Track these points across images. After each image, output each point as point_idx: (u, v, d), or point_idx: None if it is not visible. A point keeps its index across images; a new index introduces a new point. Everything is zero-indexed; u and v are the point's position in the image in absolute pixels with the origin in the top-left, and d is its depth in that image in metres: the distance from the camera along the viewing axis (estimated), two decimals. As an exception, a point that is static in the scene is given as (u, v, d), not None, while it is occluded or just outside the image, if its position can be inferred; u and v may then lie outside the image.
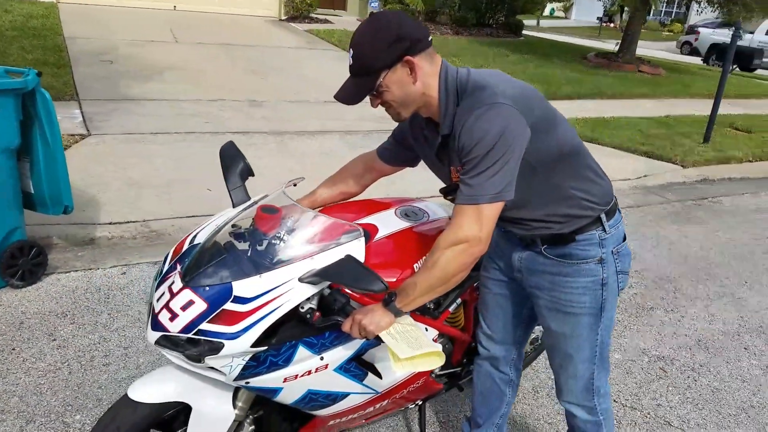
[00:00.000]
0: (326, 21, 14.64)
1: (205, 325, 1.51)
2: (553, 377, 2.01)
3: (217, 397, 1.70)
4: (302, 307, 1.58)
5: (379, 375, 1.86)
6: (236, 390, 1.74)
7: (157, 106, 6.62)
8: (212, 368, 1.55)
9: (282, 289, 1.54)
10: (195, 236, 1.79)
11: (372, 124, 7.00)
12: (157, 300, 1.62)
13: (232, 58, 9.58)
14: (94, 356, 2.72)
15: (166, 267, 1.71)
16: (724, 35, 19.67)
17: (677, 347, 3.34)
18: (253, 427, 1.85)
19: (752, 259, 4.67)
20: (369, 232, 1.85)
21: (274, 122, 6.64)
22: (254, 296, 1.53)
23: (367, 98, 1.63)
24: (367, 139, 6.46)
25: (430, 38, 1.61)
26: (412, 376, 2.00)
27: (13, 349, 2.71)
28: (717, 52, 18.04)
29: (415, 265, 1.85)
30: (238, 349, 1.51)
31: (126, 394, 1.65)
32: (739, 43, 7.24)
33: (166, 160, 5.13)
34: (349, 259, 1.52)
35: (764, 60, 16.05)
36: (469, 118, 1.53)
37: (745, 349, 3.39)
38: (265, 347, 1.55)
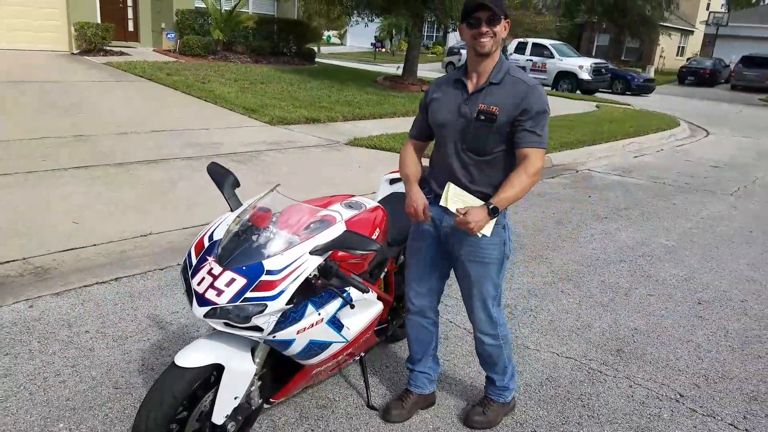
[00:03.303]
0: (122, 53, 14.24)
1: (249, 294, 2.00)
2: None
3: (241, 357, 2.16)
4: (310, 274, 2.12)
5: (347, 327, 2.44)
6: (253, 350, 2.20)
7: (-23, 148, 6.23)
8: (253, 328, 2.02)
9: (300, 260, 2.09)
10: (212, 234, 2.23)
11: (209, 149, 7.31)
12: (198, 284, 2.04)
13: (37, 96, 9.09)
14: (47, 377, 2.86)
15: (195, 260, 2.13)
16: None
17: (515, 297, 4.33)
18: (260, 382, 2.31)
19: (546, 230, 5.96)
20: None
21: (111, 155, 6.64)
22: (282, 268, 2.05)
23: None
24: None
25: None
26: (365, 328, 2.60)
27: (-42, 386, 2.74)
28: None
29: (372, 237, 2.48)
30: (278, 306, 2.01)
31: (173, 363, 2.04)
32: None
33: (20, 200, 5.00)
34: (349, 232, 2.12)
35: (540, 75, 19.04)
36: (536, 88, 2.38)
37: (561, 292, 4.51)
38: (291, 305, 2.07)
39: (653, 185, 8.31)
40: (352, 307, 2.26)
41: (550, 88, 21.11)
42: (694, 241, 5.92)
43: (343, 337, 2.41)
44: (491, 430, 2.83)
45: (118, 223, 4.79)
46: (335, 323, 2.33)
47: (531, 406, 3.04)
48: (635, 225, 6.33)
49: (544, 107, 2.36)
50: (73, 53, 13.67)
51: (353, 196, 2.84)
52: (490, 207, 2.33)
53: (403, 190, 3.18)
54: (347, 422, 2.78)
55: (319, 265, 2.15)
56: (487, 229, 2.35)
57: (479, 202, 2.38)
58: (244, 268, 2.06)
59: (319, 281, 2.15)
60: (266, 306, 2.00)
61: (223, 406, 2.14)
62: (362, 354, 2.88)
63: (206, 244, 2.20)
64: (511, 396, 2.91)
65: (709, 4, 45.39)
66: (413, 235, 2.71)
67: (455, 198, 2.39)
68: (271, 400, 2.43)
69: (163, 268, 4.19)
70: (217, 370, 2.11)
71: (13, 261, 3.98)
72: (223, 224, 2.29)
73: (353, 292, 2.37)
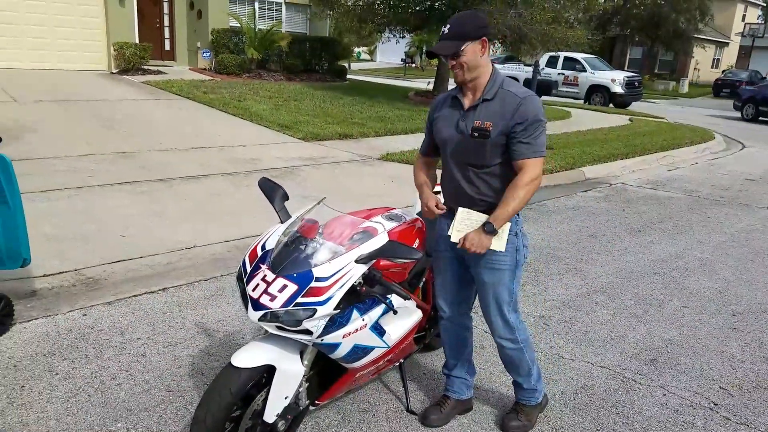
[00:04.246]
0: (159, 72, 14.71)
1: (300, 299, 2.14)
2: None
3: (291, 359, 2.30)
4: (355, 282, 2.25)
5: (389, 334, 2.56)
6: (301, 353, 2.34)
7: (29, 166, 6.55)
8: (302, 331, 2.16)
9: (346, 269, 2.22)
10: (264, 244, 2.38)
11: (247, 165, 7.54)
12: (253, 290, 2.20)
13: (80, 114, 9.48)
14: (103, 380, 3.04)
15: (250, 268, 2.29)
16: (513, 69, 22.89)
17: (550, 308, 4.39)
18: (307, 384, 2.45)
19: (581, 243, 6.00)
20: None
21: (154, 171, 6.90)
22: (329, 275, 2.19)
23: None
24: (249, 178, 7.01)
25: None
26: (405, 335, 2.71)
27: (23, 387, 2.93)
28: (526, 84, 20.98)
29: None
30: (327, 311, 2.15)
31: (230, 363, 2.19)
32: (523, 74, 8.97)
33: (70, 214, 5.26)
34: (392, 242, 2.25)
35: (560, 90, 19.00)
36: (528, 97, 2.44)
37: (596, 304, 4.55)
38: (339, 310, 2.20)
39: (687, 198, 8.26)
40: (395, 312, 2.38)
41: (582, 102, 21.02)
42: (728, 254, 5.89)
43: (385, 343, 2.53)
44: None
45: (163, 236, 4.99)
46: (378, 329, 2.46)
47: (566, 413, 3.11)
48: (669, 238, 6.33)
49: (537, 117, 2.43)
50: (112, 72, 14.18)
51: (393, 208, 2.96)
52: (485, 226, 2.45)
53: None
54: (388, 425, 2.88)
55: (364, 273, 2.27)
56: (498, 245, 2.46)
57: (484, 218, 2.48)
58: (295, 275, 2.20)
59: (364, 288, 2.27)
60: (316, 311, 2.13)
61: (275, 405, 2.27)
62: (402, 360, 2.99)
63: (259, 253, 2.35)
64: (541, 396, 3.00)
65: (744, 16, 44.72)
66: (435, 246, 2.82)
67: (460, 225, 2.51)
68: (316, 402, 2.56)
69: (208, 278, 4.37)
70: (269, 371, 2.25)
71: (66, 272, 4.20)
72: (274, 235, 2.43)
73: (394, 299, 2.48)
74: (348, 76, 19.56)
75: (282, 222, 2.49)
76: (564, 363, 3.62)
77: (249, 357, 2.22)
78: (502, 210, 2.44)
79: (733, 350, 3.92)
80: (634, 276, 5.16)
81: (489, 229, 2.44)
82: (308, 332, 2.17)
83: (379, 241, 2.35)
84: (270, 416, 2.29)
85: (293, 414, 2.44)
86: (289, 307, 2.13)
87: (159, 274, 4.38)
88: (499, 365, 3.50)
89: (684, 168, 10.71)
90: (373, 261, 2.27)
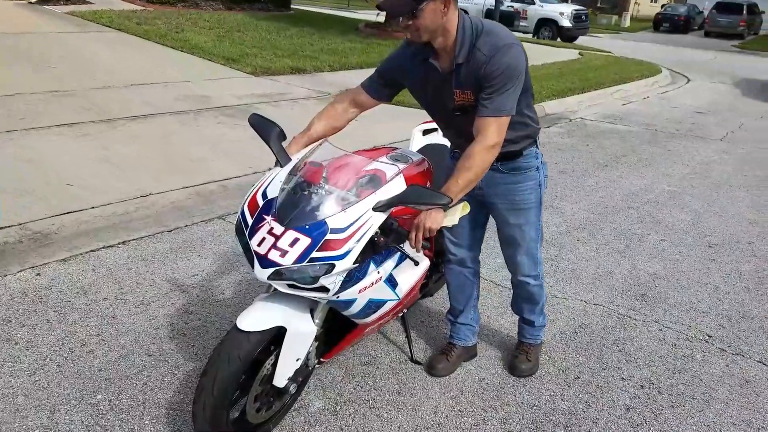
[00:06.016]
0: (84, 2, 13.47)
1: (315, 254, 1.86)
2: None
3: (302, 318, 2.05)
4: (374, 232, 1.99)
5: (400, 285, 2.34)
6: (311, 311, 2.09)
7: (-50, 107, 5.84)
8: (318, 289, 1.90)
9: (364, 217, 1.94)
10: (265, 192, 2.05)
11: (197, 103, 7.01)
12: (258, 245, 1.90)
13: (0, 49, 8.55)
14: (72, 348, 2.70)
15: (251, 220, 1.97)
16: (468, 2, 22.27)
17: (534, 247, 4.27)
18: (316, 343, 2.21)
19: (552, 179, 5.82)
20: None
21: (95, 111, 6.29)
22: (346, 226, 1.91)
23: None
24: (200, 117, 6.52)
25: None
26: (414, 285, 2.49)
27: (-22, 359, 2.57)
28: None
29: None
30: (346, 266, 1.89)
31: (235, 326, 1.92)
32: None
33: (3, 162, 4.70)
34: (415, 186, 1.98)
35: (521, 23, 18.61)
36: (496, 53, 2.04)
37: (577, 240, 4.46)
38: (357, 264, 1.94)
39: (645, 132, 8.30)
40: (416, 263, 2.15)
41: (531, 36, 20.74)
42: (694, 186, 5.94)
43: (397, 295, 2.32)
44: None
45: (114, 184, 4.55)
46: (391, 281, 2.23)
47: (570, 353, 3.02)
48: (635, 172, 6.31)
49: (503, 70, 2.05)
50: (30, 2, 12.86)
51: (397, 148, 2.69)
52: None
53: (438, 141, 3.04)
54: (393, 377, 2.71)
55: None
56: (450, 220, 2.06)
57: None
58: (307, 226, 1.91)
59: (381, 239, 2.02)
60: (334, 266, 1.87)
61: (286, 368, 2.05)
62: (405, 310, 2.79)
63: (260, 202, 2.03)
64: (543, 335, 2.93)
65: (682, -52, 45.03)
66: None
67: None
68: (321, 359, 2.33)
69: (172, 229, 3.99)
70: (278, 333, 1.99)
71: (9, 227, 3.72)
72: (275, 181, 2.11)
73: (407, 248, 2.24)
74: (292, 6, 18.57)
75: (282, 166, 2.17)
76: (558, 302, 3.53)
77: (257, 319, 1.95)
78: (452, 182, 2.06)
79: (716, 281, 3.93)
80: (609, 211, 5.11)
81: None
82: (324, 290, 1.91)
83: (397, 185, 2.07)
84: (281, 380, 2.05)
85: (303, 375, 2.21)
86: (304, 263, 1.86)
87: (115, 226, 3.98)
88: (495, 309, 3.40)
89: (637, 102, 10.75)
90: (392, 209, 2.00)
